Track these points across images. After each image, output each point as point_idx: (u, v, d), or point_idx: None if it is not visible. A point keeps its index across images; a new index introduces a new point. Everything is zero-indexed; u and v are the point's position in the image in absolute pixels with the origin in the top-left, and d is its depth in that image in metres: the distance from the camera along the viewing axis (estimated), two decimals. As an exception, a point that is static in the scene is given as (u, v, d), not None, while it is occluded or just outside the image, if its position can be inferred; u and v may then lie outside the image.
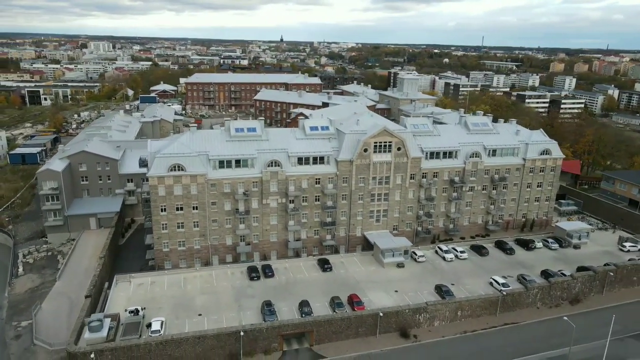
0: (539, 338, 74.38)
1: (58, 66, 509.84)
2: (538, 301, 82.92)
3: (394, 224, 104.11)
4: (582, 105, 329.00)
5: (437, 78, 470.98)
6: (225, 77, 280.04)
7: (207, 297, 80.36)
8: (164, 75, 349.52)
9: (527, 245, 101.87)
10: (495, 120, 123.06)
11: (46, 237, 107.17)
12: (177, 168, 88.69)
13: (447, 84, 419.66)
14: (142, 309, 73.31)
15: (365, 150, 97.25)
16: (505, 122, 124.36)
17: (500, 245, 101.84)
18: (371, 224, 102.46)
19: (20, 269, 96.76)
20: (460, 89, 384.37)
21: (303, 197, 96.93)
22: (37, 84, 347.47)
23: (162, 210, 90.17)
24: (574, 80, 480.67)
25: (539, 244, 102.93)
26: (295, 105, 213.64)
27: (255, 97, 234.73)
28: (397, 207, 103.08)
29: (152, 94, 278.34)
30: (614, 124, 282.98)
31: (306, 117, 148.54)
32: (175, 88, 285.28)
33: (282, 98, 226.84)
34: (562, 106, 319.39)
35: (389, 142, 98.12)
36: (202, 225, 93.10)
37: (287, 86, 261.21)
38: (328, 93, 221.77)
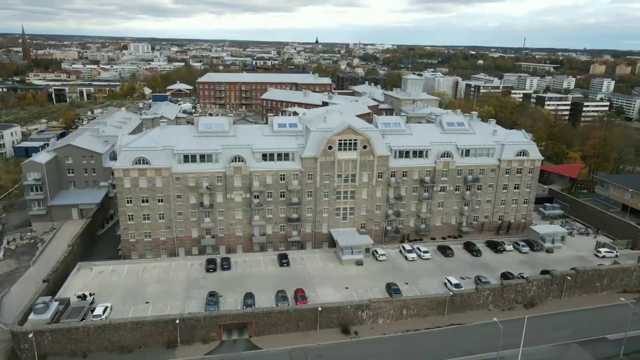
0: (479, 339, 72.97)
1: (95, 66, 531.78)
2: (490, 303, 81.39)
3: (361, 222, 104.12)
4: (607, 108, 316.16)
5: (460, 79, 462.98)
6: (237, 77, 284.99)
7: (159, 286, 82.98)
8: (187, 75, 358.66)
9: (496, 247, 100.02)
10: (499, 122, 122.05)
11: (31, 226, 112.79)
12: (141, 161, 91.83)
13: (467, 86, 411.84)
14: (90, 295, 76.49)
15: (330, 147, 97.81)
16: (496, 123, 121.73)
17: (468, 246, 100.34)
18: (337, 221, 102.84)
19: (1, 255, 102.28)
20: (481, 91, 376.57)
21: (268, 192, 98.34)
22: (65, 82, 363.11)
23: (128, 202, 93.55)
24: (613, 82, 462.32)
25: (509, 247, 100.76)
26: (300, 104, 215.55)
27: (263, 97, 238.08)
28: (364, 205, 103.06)
29: (168, 93, 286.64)
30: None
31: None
32: (190, 87, 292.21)
33: (288, 97, 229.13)
34: (585, 109, 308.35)
35: (354, 140, 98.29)
36: (167, 217, 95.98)
37: (297, 86, 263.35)
38: (332, 93, 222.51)
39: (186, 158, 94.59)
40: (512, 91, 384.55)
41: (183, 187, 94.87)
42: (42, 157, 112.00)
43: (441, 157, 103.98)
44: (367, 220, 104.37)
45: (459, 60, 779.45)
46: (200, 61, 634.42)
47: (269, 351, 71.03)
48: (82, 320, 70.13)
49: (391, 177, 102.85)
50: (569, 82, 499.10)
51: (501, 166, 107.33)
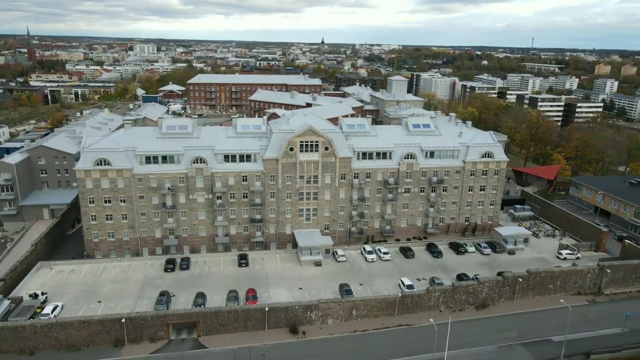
0: (424, 340, 73.18)
1: (98, 67, 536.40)
2: (441, 304, 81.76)
3: (325, 223, 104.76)
4: (600, 109, 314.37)
5: (457, 80, 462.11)
6: (227, 78, 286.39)
7: (114, 286, 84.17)
8: (184, 77, 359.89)
9: (457, 249, 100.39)
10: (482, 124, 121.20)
11: (3, 226, 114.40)
12: (103, 162, 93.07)
13: (463, 87, 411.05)
14: (42, 294, 77.74)
15: (291, 149, 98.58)
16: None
17: (430, 248, 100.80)
18: (301, 222, 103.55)
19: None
20: (476, 91, 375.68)
21: (230, 193, 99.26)
22: (61, 84, 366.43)
23: (90, 202, 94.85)
24: (616, 83, 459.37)
25: (471, 249, 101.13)
26: (287, 105, 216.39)
27: (251, 98, 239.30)
28: (328, 206, 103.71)
29: (159, 94, 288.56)
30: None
31: (279, 116, 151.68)
32: (183, 88, 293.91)
33: (275, 99, 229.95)
34: (578, 110, 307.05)
35: (315, 141, 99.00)
36: (130, 217, 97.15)
37: (287, 87, 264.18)
38: (318, 94, 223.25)
39: (148, 159, 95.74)
40: (508, 92, 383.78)
41: (145, 187, 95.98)
42: (12, 158, 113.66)
43: (405, 158, 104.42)
44: (331, 222, 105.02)
45: (464, 60, 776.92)
46: (204, 62, 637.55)
47: (214, 350, 71.85)
48: (30, 318, 71.37)
49: (354, 178, 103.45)
50: (572, 82, 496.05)
51: (466, 168, 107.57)
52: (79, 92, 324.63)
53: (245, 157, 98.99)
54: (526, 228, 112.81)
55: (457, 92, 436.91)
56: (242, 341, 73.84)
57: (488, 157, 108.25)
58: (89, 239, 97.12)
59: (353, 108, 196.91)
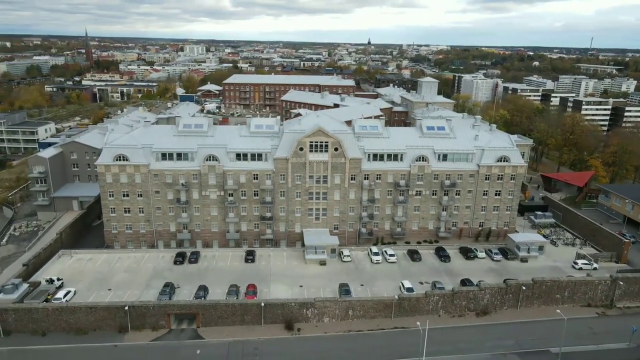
0: (411, 344, 72.40)
1: (148, 67, 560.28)
2: (440, 309, 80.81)
3: (334, 223, 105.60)
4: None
5: (499, 82, 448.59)
6: (261, 78, 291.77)
7: (126, 275, 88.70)
8: (226, 76, 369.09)
9: (467, 254, 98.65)
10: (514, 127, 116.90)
11: (37, 215, 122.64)
12: (121, 158, 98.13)
13: (505, 88, 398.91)
14: (58, 279, 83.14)
15: (301, 149, 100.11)
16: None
17: (439, 252, 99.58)
18: (310, 221, 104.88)
19: (4, 240, 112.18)
20: (519, 93, 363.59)
21: (241, 191, 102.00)
22: (108, 83, 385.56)
23: (110, 196, 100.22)
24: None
25: (482, 254, 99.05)
26: (317, 106, 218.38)
27: (282, 98, 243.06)
28: (337, 206, 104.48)
29: (197, 94, 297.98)
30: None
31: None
32: (220, 88, 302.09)
33: (306, 99, 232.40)
34: (626, 114, 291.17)
35: (325, 142, 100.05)
36: (147, 211, 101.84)
37: (320, 87, 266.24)
38: (346, 95, 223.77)
39: (164, 156, 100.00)
40: (553, 95, 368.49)
41: (161, 183, 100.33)
42: (47, 153, 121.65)
43: (416, 161, 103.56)
44: (340, 222, 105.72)
45: (514, 61, 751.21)
46: (250, 62, 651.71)
47: (210, 341, 74.46)
48: (44, 302, 76.61)
49: (364, 179, 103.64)
50: (629, 85, 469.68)
51: (480, 172, 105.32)
52: (124, 91, 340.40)
53: (257, 156, 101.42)
54: (545, 235, 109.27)
55: (499, 94, 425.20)
56: (239, 334, 76.06)
57: (504, 161, 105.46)
58: (108, 230, 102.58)
59: (381, 109, 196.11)
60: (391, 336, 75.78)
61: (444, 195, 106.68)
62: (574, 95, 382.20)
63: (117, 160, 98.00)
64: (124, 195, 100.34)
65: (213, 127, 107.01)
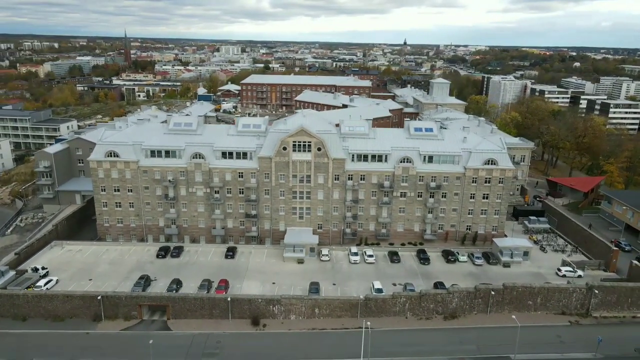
0: (366, 344, 72.52)
1: (181, 67, 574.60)
2: (407, 311, 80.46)
3: (318, 223, 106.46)
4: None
5: (528, 83, 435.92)
6: (278, 79, 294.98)
7: (109, 267, 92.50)
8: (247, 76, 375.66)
9: (448, 257, 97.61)
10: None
11: (43, 207, 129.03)
12: (112, 154, 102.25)
13: (532, 90, 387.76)
14: (42, 269, 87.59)
15: (284, 148, 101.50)
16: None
17: (419, 254, 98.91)
18: (294, 220, 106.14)
19: (9, 230, 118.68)
20: (546, 96, 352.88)
21: (227, 188, 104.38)
22: (136, 82, 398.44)
23: (102, 190, 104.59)
24: None
25: (464, 258, 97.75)
26: (329, 106, 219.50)
27: (297, 98, 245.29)
28: (321, 206, 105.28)
29: (217, 93, 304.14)
30: None
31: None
32: (239, 88, 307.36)
33: (319, 99, 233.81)
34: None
35: (308, 142, 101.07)
36: (137, 206, 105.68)
37: (336, 88, 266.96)
38: (359, 95, 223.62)
39: (153, 153, 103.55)
40: (582, 97, 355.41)
41: (150, 179, 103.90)
42: (52, 148, 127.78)
43: (401, 162, 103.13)
44: (324, 221, 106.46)
45: (555, 62, 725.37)
46: (282, 63, 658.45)
47: (176, 333, 76.91)
48: (27, 289, 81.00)
49: (348, 180, 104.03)
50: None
51: (467, 174, 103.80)
52: (150, 91, 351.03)
53: (242, 155, 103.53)
54: (536, 241, 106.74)
55: (527, 96, 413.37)
56: (205, 327, 78.10)
57: (491, 164, 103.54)
58: (100, 223, 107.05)
59: (390, 110, 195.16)
60: (352, 336, 75.91)
61: (430, 197, 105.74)
62: (604, 97, 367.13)
63: (108, 156, 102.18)
64: (115, 190, 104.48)
65: (202, 126, 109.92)
